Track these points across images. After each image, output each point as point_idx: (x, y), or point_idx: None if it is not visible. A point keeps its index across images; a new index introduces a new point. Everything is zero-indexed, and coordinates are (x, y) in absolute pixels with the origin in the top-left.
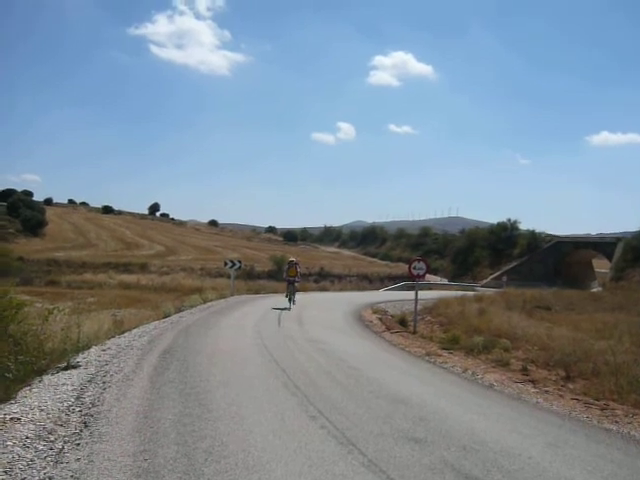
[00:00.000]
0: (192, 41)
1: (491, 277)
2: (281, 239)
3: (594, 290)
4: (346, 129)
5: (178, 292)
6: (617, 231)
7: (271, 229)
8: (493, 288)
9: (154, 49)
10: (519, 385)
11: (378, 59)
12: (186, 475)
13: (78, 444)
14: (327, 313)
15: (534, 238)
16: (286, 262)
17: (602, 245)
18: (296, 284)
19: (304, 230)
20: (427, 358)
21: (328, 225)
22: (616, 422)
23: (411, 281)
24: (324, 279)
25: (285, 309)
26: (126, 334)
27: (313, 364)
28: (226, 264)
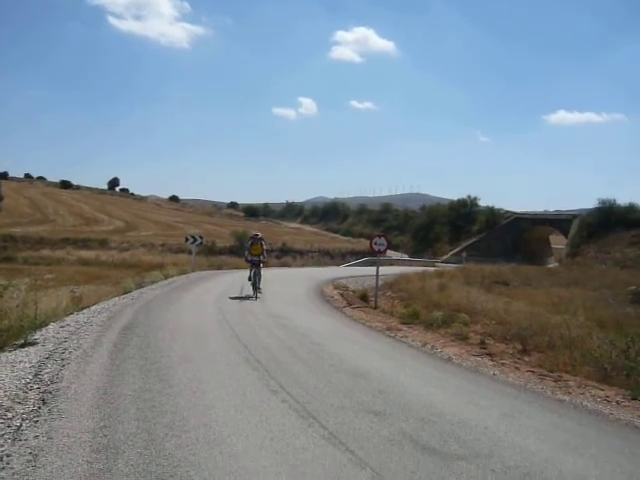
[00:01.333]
0: (151, 12)
1: (451, 253)
2: (242, 215)
3: (551, 266)
4: (307, 104)
5: (138, 268)
6: (573, 208)
7: (233, 205)
8: (453, 264)
9: (112, 20)
10: (477, 358)
11: (340, 34)
12: (146, 450)
13: (36, 421)
14: (289, 289)
15: (493, 215)
16: (248, 237)
17: (559, 222)
18: (262, 266)
19: (266, 206)
20: (387, 332)
21: (290, 201)
22: (569, 393)
23: (372, 257)
24: (286, 255)
25: (247, 298)
26: (85, 311)
27: (274, 339)
28: (187, 240)
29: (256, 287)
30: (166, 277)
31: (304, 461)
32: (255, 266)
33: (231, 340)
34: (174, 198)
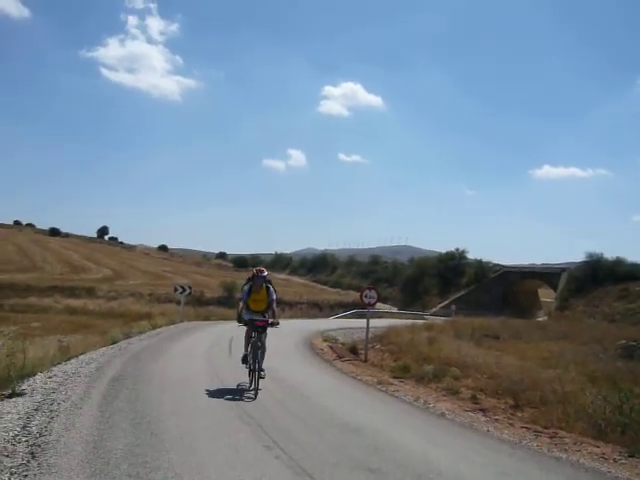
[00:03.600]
0: (144, 65)
1: (440, 306)
2: (231, 265)
3: (540, 319)
4: (296, 156)
5: (126, 317)
6: (561, 262)
7: (221, 255)
8: (442, 317)
9: (105, 72)
10: (470, 414)
11: (328, 89)
12: None
13: (25, 476)
14: (277, 341)
15: (481, 267)
16: (246, 278)
17: (547, 275)
18: (267, 330)
19: (255, 256)
20: (379, 387)
21: (279, 252)
22: (565, 450)
23: (361, 309)
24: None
25: (242, 392)
26: (73, 361)
27: (266, 393)
28: (176, 290)
29: (256, 371)
30: (154, 327)
31: None
32: (257, 331)
33: (222, 394)
34: (163, 247)
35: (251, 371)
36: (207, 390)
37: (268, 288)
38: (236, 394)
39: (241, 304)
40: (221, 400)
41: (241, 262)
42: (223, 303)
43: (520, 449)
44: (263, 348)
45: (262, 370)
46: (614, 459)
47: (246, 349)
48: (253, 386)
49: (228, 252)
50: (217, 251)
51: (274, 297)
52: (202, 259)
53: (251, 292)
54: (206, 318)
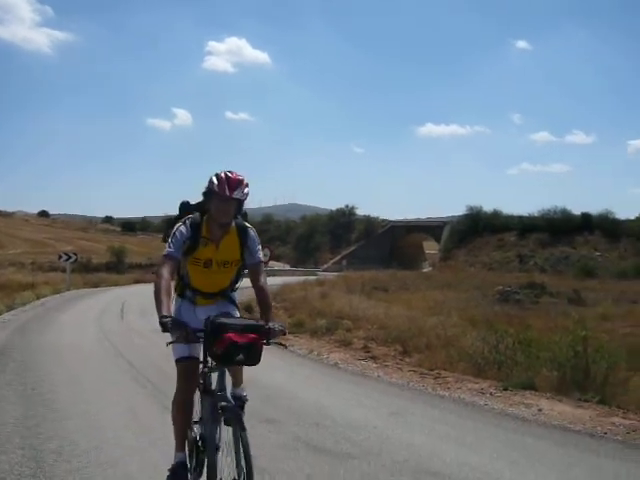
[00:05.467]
0: (10, 16)
1: (332, 262)
2: (119, 229)
3: (425, 270)
4: (182, 115)
5: (7, 289)
6: (444, 215)
7: (108, 219)
8: (334, 272)
9: None
10: (361, 362)
11: (212, 44)
12: (35, 478)
13: None
14: None
15: (370, 223)
16: (181, 205)
17: (431, 228)
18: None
19: (144, 219)
20: None
21: (169, 214)
22: (448, 388)
23: None
24: None
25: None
26: None
27: (158, 354)
28: (60, 257)
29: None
30: (38, 297)
31: None
32: (225, 366)
33: (116, 359)
34: (44, 213)
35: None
36: (99, 357)
37: (245, 232)
38: (129, 356)
39: (163, 277)
40: (115, 365)
41: (129, 226)
42: (112, 268)
43: (408, 391)
44: (246, 448)
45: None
46: (491, 393)
47: (182, 439)
48: None
49: (115, 216)
50: (103, 215)
51: (260, 256)
52: (87, 224)
53: (198, 242)
54: (95, 285)
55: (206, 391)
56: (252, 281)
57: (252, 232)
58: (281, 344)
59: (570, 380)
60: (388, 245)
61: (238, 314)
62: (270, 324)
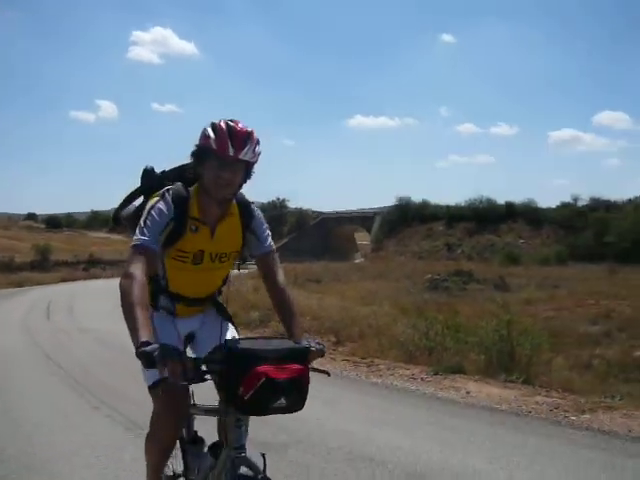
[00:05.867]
0: None
1: None
2: (43, 226)
3: (357, 261)
4: (107, 107)
5: None
6: (375, 206)
7: (31, 216)
8: None
9: None
10: None
11: (137, 34)
12: None
13: None
14: (98, 302)
15: (302, 215)
16: (140, 175)
17: (362, 219)
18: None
19: (69, 215)
20: None
21: (95, 209)
22: (380, 376)
23: None
24: (94, 266)
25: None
26: None
27: (87, 354)
28: None
29: None
30: None
31: (129, 469)
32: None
33: (43, 361)
34: None
35: None
36: (26, 359)
37: (248, 210)
38: (57, 357)
39: (135, 279)
40: (42, 367)
41: (54, 222)
42: (37, 267)
43: (342, 379)
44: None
45: None
46: (422, 378)
47: None
48: None
49: (39, 212)
50: (25, 212)
51: (272, 243)
52: (8, 221)
53: (184, 226)
54: (19, 285)
55: (195, 441)
56: (265, 279)
57: (257, 210)
58: (324, 371)
59: (497, 363)
60: (320, 237)
61: (235, 330)
62: (305, 342)
